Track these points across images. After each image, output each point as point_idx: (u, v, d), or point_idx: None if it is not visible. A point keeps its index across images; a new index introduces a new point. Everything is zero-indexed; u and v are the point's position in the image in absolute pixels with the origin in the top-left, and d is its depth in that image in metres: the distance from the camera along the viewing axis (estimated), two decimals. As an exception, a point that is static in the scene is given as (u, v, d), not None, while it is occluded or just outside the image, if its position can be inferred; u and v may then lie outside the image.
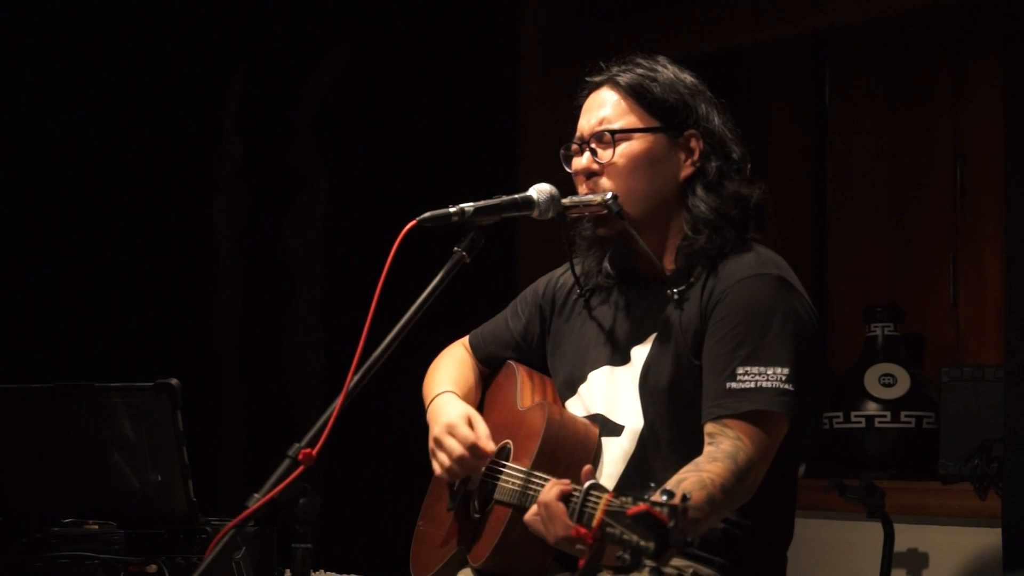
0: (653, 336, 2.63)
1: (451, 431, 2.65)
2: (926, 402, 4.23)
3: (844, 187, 4.78)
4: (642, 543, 1.86)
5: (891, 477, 4.17)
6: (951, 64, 4.50)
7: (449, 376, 2.88)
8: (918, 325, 4.49)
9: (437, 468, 2.68)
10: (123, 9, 4.77)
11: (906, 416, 4.22)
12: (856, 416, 4.26)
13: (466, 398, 2.82)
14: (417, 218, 2.37)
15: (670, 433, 2.57)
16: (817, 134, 4.86)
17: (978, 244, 4.41)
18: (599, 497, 2.10)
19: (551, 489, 2.33)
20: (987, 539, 3.89)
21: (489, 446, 2.64)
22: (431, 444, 2.70)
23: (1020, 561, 3.43)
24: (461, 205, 2.42)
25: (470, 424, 2.67)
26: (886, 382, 4.26)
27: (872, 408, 4.25)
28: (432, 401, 2.80)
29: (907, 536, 4.06)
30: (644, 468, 2.57)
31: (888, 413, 4.23)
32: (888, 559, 3.91)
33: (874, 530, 3.96)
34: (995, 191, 4.14)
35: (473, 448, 2.63)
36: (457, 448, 2.63)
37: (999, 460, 3.82)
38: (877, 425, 4.24)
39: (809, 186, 4.85)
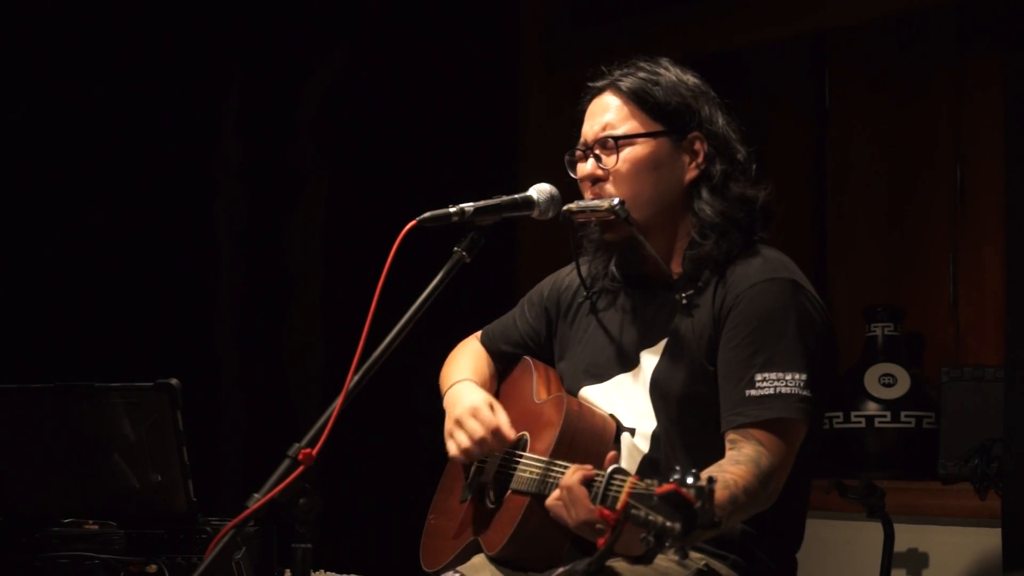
0: (664, 342, 2.63)
1: (474, 414, 2.66)
2: (926, 402, 4.23)
3: (844, 187, 4.77)
4: (668, 524, 1.85)
5: (891, 477, 4.17)
6: (951, 64, 4.50)
7: (467, 366, 2.89)
8: (918, 325, 4.49)
9: (453, 449, 2.68)
10: (123, 9, 4.77)
11: (906, 416, 4.22)
12: (856, 416, 4.25)
13: (483, 387, 2.83)
14: (417, 218, 2.38)
15: (684, 438, 2.58)
16: (817, 134, 4.86)
17: (978, 244, 4.40)
18: (623, 480, 2.10)
19: (574, 473, 2.33)
20: (987, 539, 3.88)
21: (511, 433, 2.65)
22: (449, 426, 2.71)
23: (1020, 561, 3.43)
24: (461, 205, 2.42)
25: (492, 409, 2.68)
26: (886, 382, 4.25)
27: (872, 408, 4.24)
28: (451, 387, 2.81)
29: (907, 536, 4.06)
30: (657, 472, 2.56)
31: (888, 413, 4.23)
32: (888, 559, 3.91)
33: (874, 530, 3.96)
34: (995, 191, 4.14)
35: (496, 432, 2.64)
36: (479, 430, 2.64)
37: (999, 460, 3.81)
38: (877, 425, 4.23)
39: (809, 186, 4.85)
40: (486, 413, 2.66)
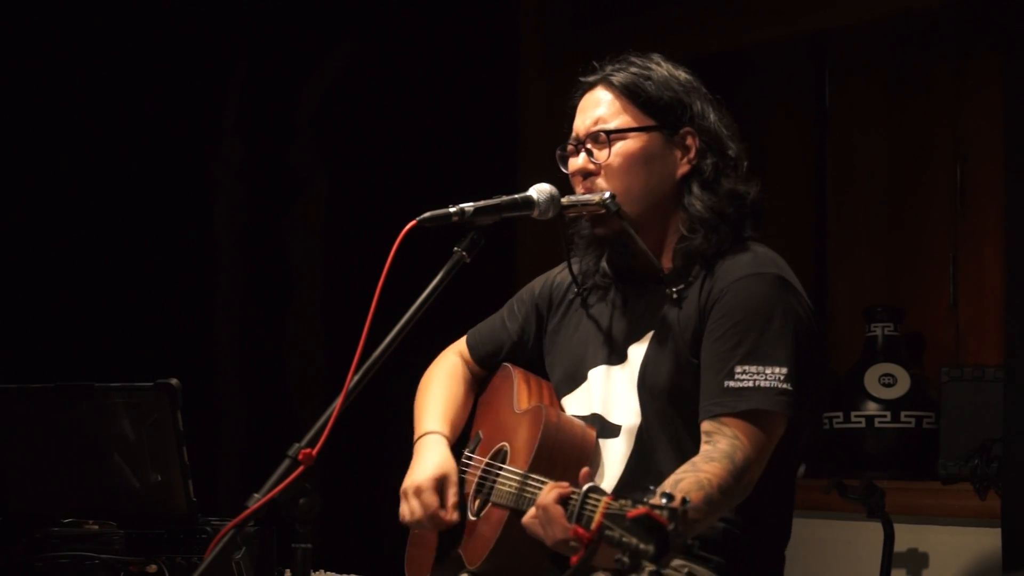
0: (650, 334, 2.62)
1: (418, 493, 2.66)
2: (926, 402, 4.23)
3: (844, 187, 4.78)
4: (642, 546, 1.85)
5: (891, 477, 4.17)
6: (951, 64, 4.50)
7: (438, 403, 2.86)
8: (918, 325, 4.49)
9: (401, 515, 2.70)
10: (123, 9, 4.77)
11: (906, 416, 4.22)
12: (856, 416, 4.26)
13: (455, 424, 2.82)
14: (417, 218, 2.37)
15: (668, 432, 2.57)
16: (817, 134, 4.86)
17: (978, 244, 4.41)
18: (598, 500, 2.09)
19: (549, 492, 2.32)
20: (987, 539, 3.88)
21: (452, 517, 2.66)
22: (403, 487, 2.71)
23: (1020, 561, 3.43)
24: (461, 205, 2.42)
25: (442, 486, 2.67)
26: (886, 382, 4.26)
27: (872, 408, 4.25)
28: (418, 440, 2.80)
29: (907, 536, 4.06)
30: (643, 468, 2.57)
31: (888, 413, 4.23)
32: (888, 559, 3.91)
33: (874, 530, 3.96)
34: (995, 191, 4.14)
35: (433, 517, 2.65)
36: (418, 512, 2.66)
37: (999, 460, 3.81)
38: (877, 425, 4.23)
39: (809, 186, 4.85)
40: (428, 496, 2.65)
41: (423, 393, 2.91)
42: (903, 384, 4.25)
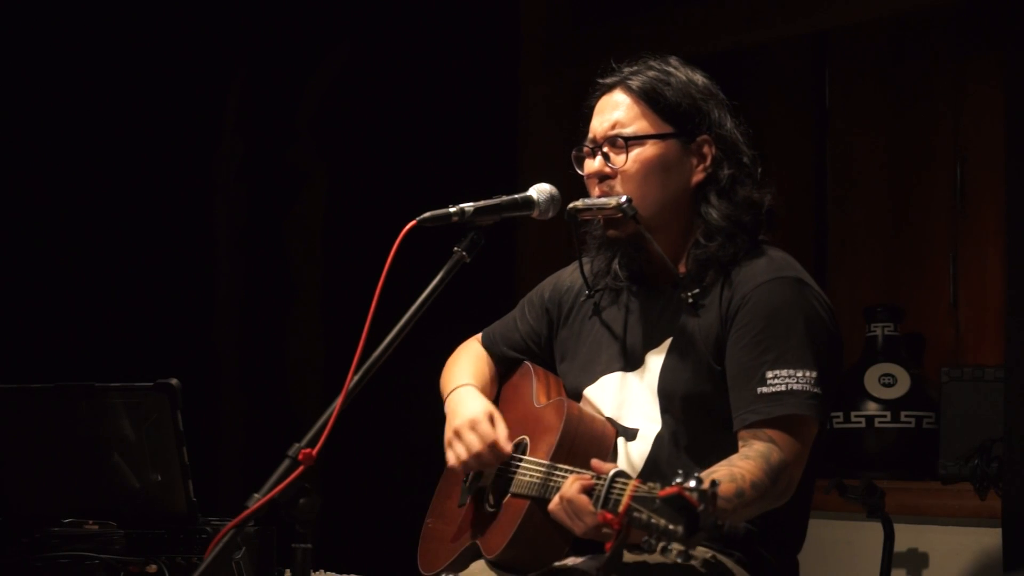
0: (669, 341, 2.63)
1: (473, 426, 2.65)
2: (926, 402, 4.23)
3: (844, 187, 4.78)
4: (671, 526, 1.85)
5: (891, 477, 4.17)
6: (951, 64, 4.50)
7: (468, 370, 2.88)
8: (918, 325, 4.49)
9: (452, 459, 2.68)
10: (123, 9, 4.77)
11: (906, 416, 4.22)
12: (856, 416, 4.26)
13: (483, 392, 2.82)
14: (417, 218, 2.38)
15: (689, 439, 2.58)
16: (817, 134, 4.86)
17: (978, 244, 4.41)
18: (625, 483, 2.11)
19: (572, 484, 2.33)
20: (987, 539, 3.89)
21: (508, 447, 2.64)
22: (448, 435, 2.69)
23: (1020, 561, 3.43)
24: (461, 205, 2.43)
25: (492, 421, 2.66)
26: (886, 382, 4.26)
27: (872, 408, 4.24)
28: (452, 392, 2.80)
29: (907, 536, 4.06)
30: (661, 473, 2.56)
31: (888, 413, 4.23)
32: (888, 559, 3.91)
33: (874, 530, 3.96)
34: (995, 191, 4.14)
35: (492, 446, 2.62)
36: (476, 444, 2.63)
37: (999, 460, 3.82)
38: (877, 425, 4.23)
39: (809, 186, 4.85)
40: (485, 426, 2.64)
41: (449, 369, 2.92)
42: (903, 384, 4.25)
